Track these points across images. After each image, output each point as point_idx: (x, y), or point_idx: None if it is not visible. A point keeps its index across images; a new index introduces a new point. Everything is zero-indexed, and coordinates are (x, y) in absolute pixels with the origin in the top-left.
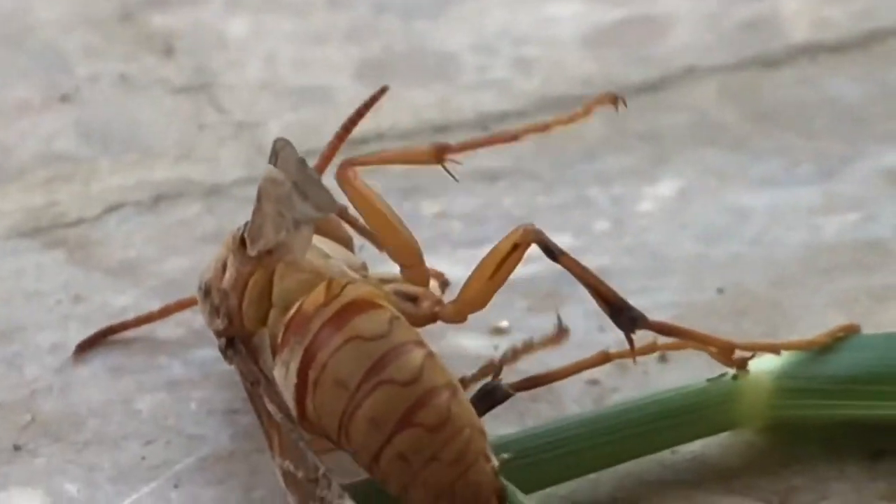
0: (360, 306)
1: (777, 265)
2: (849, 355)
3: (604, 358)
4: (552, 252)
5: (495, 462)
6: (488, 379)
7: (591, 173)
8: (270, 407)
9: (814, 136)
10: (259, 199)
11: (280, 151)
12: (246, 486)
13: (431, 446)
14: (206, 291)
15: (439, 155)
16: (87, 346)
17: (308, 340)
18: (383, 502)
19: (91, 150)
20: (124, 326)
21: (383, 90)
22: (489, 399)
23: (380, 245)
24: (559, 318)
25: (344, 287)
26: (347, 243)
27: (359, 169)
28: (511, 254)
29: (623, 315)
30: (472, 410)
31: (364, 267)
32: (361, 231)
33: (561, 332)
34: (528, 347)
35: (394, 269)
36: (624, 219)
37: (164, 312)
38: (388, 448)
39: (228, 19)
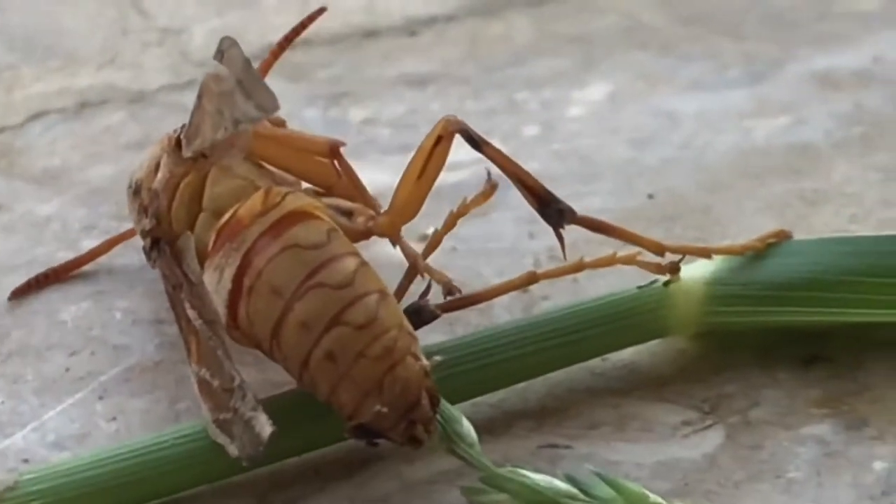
0: (299, 216)
1: (707, 170)
2: (781, 261)
3: (531, 278)
4: (476, 142)
5: (425, 362)
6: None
7: (519, 78)
8: (190, 312)
9: (743, 39)
10: (200, 96)
11: (227, 50)
12: (172, 398)
13: (358, 343)
14: (136, 190)
15: (333, 151)
16: (24, 292)
17: (246, 247)
18: (298, 417)
19: (13, 57)
20: (57, 273)
21: (321, 10)
22: (417, 318)
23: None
24: (489, 173)
25: (284, 197)
26: None
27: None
28: (436, 148)
29: (551, 208)
30: (402, 315)
31: (297, 183)
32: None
33: (491, 187)
34: (463, 208)
35: None
36: (553, 123)
37: (95, 253)
38: (316, 350)
39: None
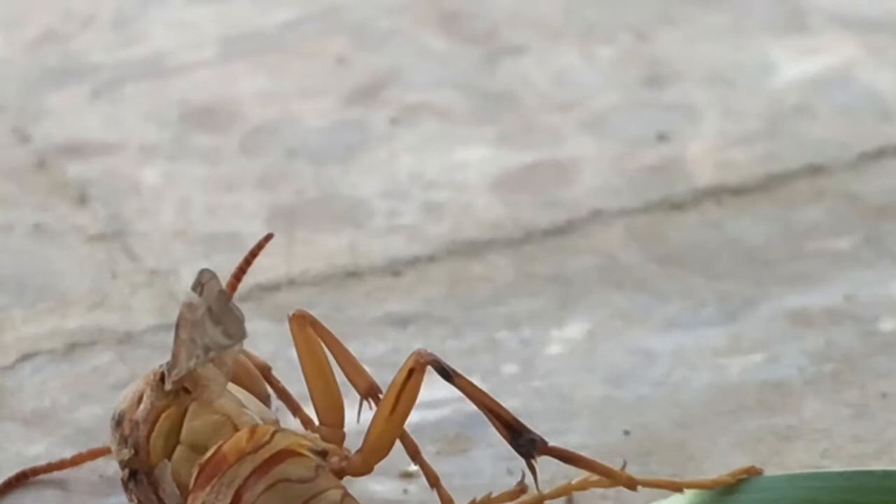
0: (287, 454)
1: (682, 406)
2: (751, 496)
3: None
4: (447, 374)
5: None
6: None
7: (499, 317)
8: None
9: (718, 278)
10: (177, 326)
11: (206, 283)
12: None
13: None
14: (119, 421)
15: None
16: (3, 491)
17: (238, 484)
18: None
19: (5, 299)
20: (35, 472)
21: (268, 237)
22: None
23: (294, 410)
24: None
25: (273, 435)
26: (265, 400)
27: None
28: (408, 382)
29: (522, 438)
30: None
31: (277, 423)
32: (280, 393)
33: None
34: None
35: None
36: (533, 361)
37: (78, 460)
38: None
39: (142, 167)
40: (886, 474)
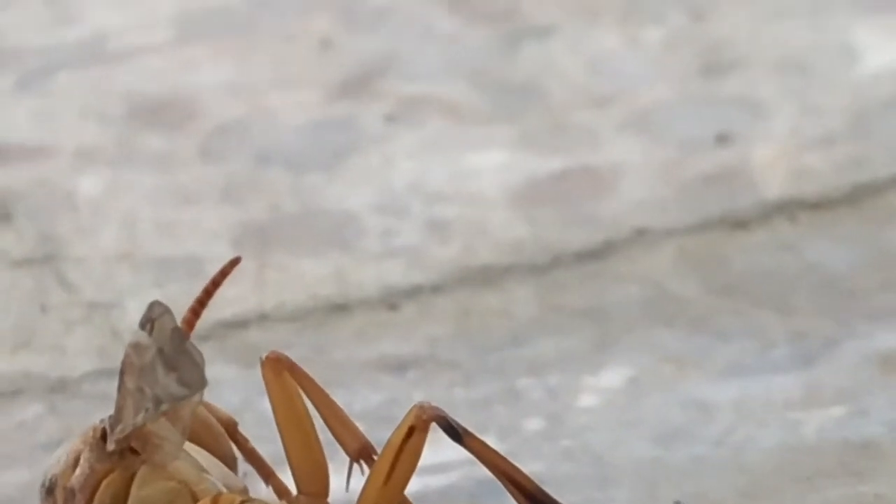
0: None
1: (748, 471)
2: None
3: None
4: (456, 433)
5: None
6: None
7: (520, 360)
8: None
9: (792, 313)
10: (122, 372)
11: (156, 319)
12: None
13: None
14: (49, 489)
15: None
16: None
17: None
18: None
19: None
20: None
21: (234, 262)
22: None
23: (267, 476)
24: None
25: None
26: (230, 462)
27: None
28: (407, 442)
29: None
30: None
31: (245, 491)
32: (248, 455)
33: None
34: None
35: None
36: (562, 416)
37: None
38: None
39: (78, 176)
40: None
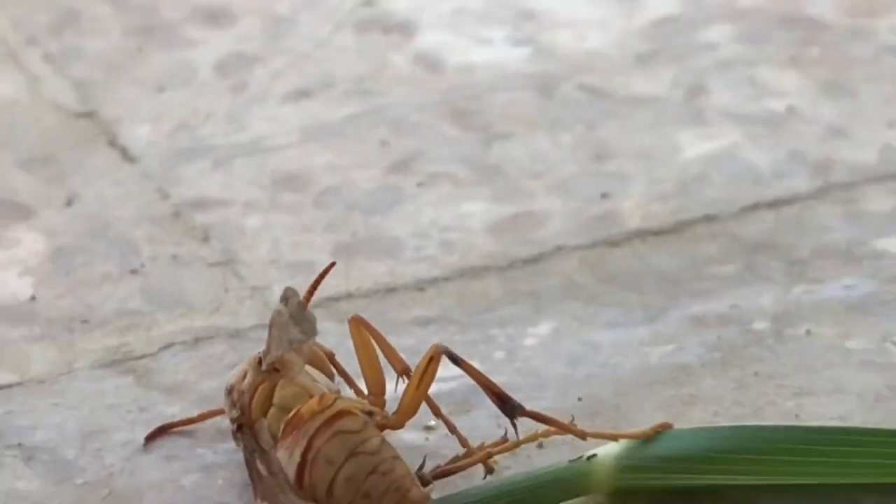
0: (344, 413)
1: (618, 381)
2: (667, 443)
3: (486, 455)
4: (456, 359)
5: (421, 487)
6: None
7: (492, 320)
8: (260, 467)
9: (643, 293)
10: (270, 326)
11: (289, 297)
12: None
13: (382, 484)
14: (230, 390)
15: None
16: (152, 438)
17: (309, 434)
18: None
19: (152, 307)
20: (172, 426)
21: (331, 265)
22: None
23: (350, 384)
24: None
25: (334, 401)
26: (330, 376)
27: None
28: (429, 365)
29: (507, 404)
30: (409, 468)
31: (339, 392)
32: (341, 372)
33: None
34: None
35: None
36: (515, 350)
37: (201, 418)
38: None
39: (245, 217)
40: (759, 428)
